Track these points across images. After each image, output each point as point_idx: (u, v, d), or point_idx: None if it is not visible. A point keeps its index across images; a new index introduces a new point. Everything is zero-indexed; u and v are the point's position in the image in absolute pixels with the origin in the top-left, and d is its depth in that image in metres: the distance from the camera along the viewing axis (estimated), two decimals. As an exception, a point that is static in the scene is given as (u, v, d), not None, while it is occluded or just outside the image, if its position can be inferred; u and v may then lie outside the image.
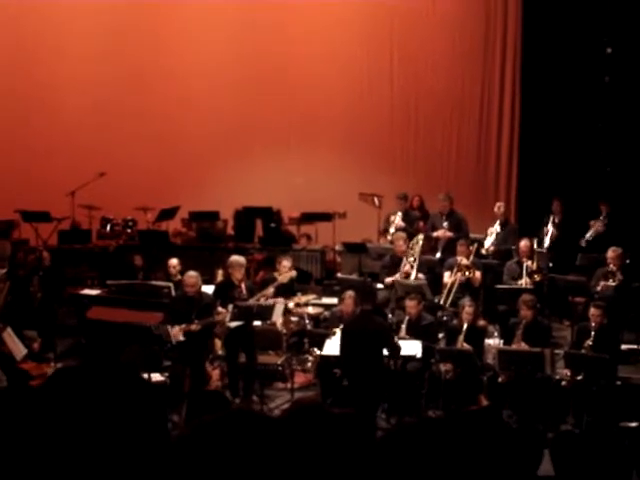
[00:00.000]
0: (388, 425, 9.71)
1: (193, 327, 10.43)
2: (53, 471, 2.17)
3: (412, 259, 12.82)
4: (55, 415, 2.20)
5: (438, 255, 13.73)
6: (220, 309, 10.70)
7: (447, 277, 12.68)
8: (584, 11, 15.75)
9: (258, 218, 15.79)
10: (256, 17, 17.19)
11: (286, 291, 12.19)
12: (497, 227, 13.97)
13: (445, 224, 14.00)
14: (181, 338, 10.40)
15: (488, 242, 13.87)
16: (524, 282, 12.39)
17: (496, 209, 14.27)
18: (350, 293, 11.31)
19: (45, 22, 17.18)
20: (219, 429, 2.16)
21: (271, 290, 11.46)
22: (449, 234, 13.87)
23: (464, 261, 12.63)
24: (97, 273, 14.67)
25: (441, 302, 12.35)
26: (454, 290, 12.36)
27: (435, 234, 14.02)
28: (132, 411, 2.24)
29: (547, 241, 13.97)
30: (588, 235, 14.03)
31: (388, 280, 12.79)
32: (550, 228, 14.08)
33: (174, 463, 2.12)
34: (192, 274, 10.88)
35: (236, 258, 11.43)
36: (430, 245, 14.00)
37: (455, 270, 12.56)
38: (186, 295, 10.78)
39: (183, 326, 10.43)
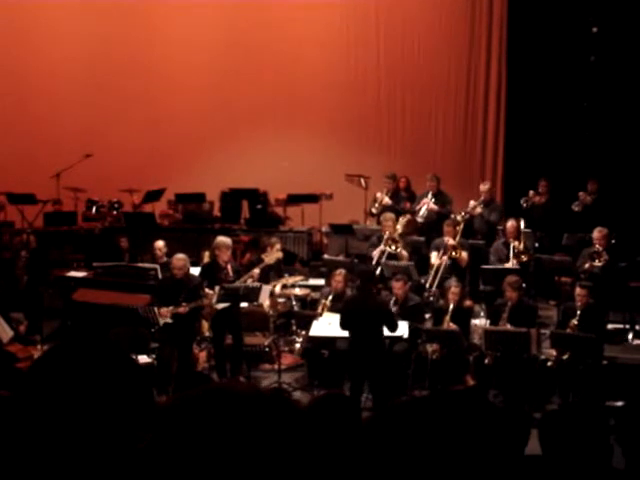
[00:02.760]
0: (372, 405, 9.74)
1: (181, 310, 10.42)
2: (40, 454, 2.16)
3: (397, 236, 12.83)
4: (45, 397, 2.20)
5: (421, 213, 13.89)
6: (207, 290, 10.68)
7: (434, 257, 12.69)
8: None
9: (244, 200, 15.76)
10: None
11: (273, 272, 12.18)
12: (429, 196, 14.05)
13: (430, 197, 14.07)
14: (168, 320, 10.38)
15: (422, 212, 13.96)
16: (511, 262, 12.41)
17: (481, 186, 14.30)
18: (341, 271, 11.34)
19: (32, 4, 17.06)
20: (195, 405, 2.15)
21: (257, 271, 11.43)
22: (434, 206, 13.94)
23: (451, 241, 12.65)
24: (83, 255, 14.62)
25: (427, 285, 12.35)
26: (441, 272, 12.38)
27: (421, 202, 14.06)
28: (120, 392, 2.23)
29: None
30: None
31: (375, 253, 12.78)
32: None
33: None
34: (180, 257, 10.83)
35: (222, 239, 11.38)
36: (416, 227, 14.04)
37: (442, 252, 12.58)
38: (174, 277, 10.74)
39: (171, 308, 10.41)
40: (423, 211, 14.00)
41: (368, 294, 10.24)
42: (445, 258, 12.50)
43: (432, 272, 12.42)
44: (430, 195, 14.10)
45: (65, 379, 2.19)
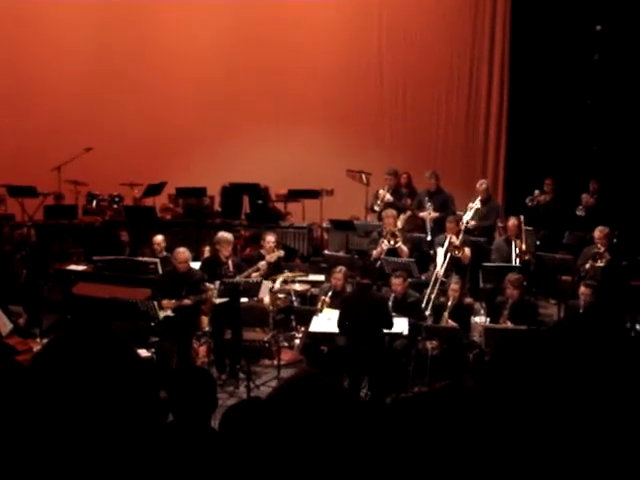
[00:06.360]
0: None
1: (186, 301, 10.44)
2: (44, 450, 2.15)
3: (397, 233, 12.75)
4: (49, 390, 2.18)
5: (429, 238, 13.58)
6: (207, 285, 10.68)
7: (440, 254, 12.48)
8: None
9: (245, 195, 15.73)
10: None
11: (273, 270, 12.16)
12: (477, 203, 13.72)
13: (429, 204, 13.88)
14: (170, 313, 10.38)
15: (466, 217, 13.65)
16: (513, 260, 12.36)
17: (478, 185, 14.09)
18: (341, 268, 11.34)
19: (34, 4, 17.04)
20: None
21: (264, 264, 11.55)
22: (434, 214, 13.79)
23: (453, 239, 12.54)
24: (83, 249, 14.59)
25: (424, 302, 11.84)
26: (437, 286, 12.13)
27: (421, 214, 13.94)
28: (124, 386, 2.21)
29: None
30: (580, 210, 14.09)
31: (375, 253, 12.71)
32: None
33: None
34: (183, 250, 10.85)
35: (224, 234, 11.40)
36: (417, 223, 13.98)
37: (446, 248, 12.45)
38: (176, 271, 10.73)
39: (174, 301, 10.41)
40: (428, 226, 13.76)
41: (366, 291, 10.30)
42: (441, 271, 12.21)
43: (430, 285, 11.80)
44: (429, 204, 13.85)
45: (68, 372, 2.18)
